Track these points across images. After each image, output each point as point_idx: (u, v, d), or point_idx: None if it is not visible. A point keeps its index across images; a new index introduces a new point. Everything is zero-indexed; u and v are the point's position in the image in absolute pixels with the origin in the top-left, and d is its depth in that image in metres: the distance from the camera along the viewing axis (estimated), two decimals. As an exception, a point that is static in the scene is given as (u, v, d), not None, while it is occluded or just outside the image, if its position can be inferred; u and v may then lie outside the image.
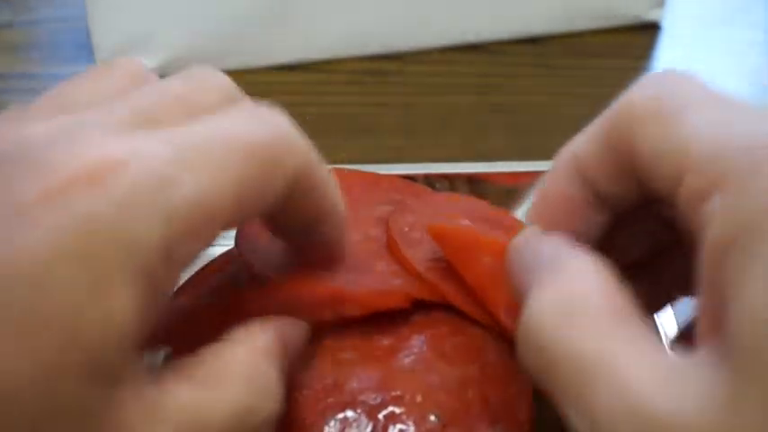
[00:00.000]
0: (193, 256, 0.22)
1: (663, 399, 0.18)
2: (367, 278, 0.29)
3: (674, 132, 0.21)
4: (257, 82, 0.58)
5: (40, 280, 0.18)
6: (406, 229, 0.31)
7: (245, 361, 0.24)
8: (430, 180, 0.40)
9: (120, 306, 0.19)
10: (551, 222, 0.26)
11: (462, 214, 0.35)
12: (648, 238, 0.28)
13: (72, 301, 0.19)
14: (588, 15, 0.64)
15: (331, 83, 0.58)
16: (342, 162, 0.50)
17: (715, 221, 0.19)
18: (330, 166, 0.29)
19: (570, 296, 0.21)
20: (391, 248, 0.31)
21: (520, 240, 0.26)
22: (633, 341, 0.20)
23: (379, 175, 0.39)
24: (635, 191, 0.24)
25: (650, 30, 0.65)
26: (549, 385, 0.21)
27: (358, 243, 0.31)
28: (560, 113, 0.55)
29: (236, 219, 0.23)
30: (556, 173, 0.26)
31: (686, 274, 0.22)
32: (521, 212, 0.37)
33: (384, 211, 0.34)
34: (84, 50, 0.60)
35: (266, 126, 0.24)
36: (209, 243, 0.22)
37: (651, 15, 0.65)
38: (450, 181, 0.41)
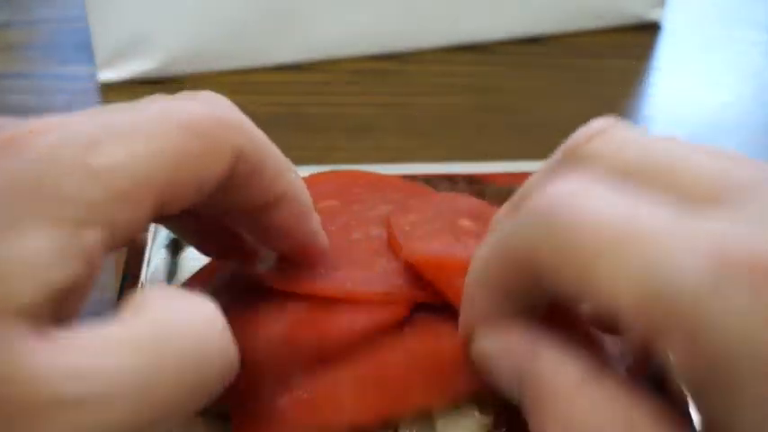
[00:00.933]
0: (129, 226, 0.22)
1: None
2: (367, 276, 0.29)
3: (590, 286, 0.19)
4: (257, 82, 0.58)
5: None
6: (407, 228, 0.31)
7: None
8: (430, 180, 0.40)
9: (33, 246, 0.19)
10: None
11: (462, 214, 0.35)
12: None
13: None
14: (588, 15, 0.64)
15: (331, 83, 0.58)
16: (342, 162, 0.50)
17: (677, 371, 0.18)
18: (330, 167, 0.29)
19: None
20: (392, 247, 0.31)
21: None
22: None
23: (379, 174, 0.38)
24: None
25: (650, 30, 0.65)
26: None
27: (359, 242, 0.31)
28: (560, 113, 0.55)
29: (174, 194, 0.22)
30: (472, 302, 0.25)
31: None
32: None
33: (385, 210, 0.34)
34: (84, 50, 0.60)
35: (205, 105, 0.24)
36: (146, 216, 0.22)
37: (651, 15, 0.65)
38: (451, 181, 0.41)
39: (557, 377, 0.21)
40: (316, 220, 0.28)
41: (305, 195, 0.27)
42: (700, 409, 0.18)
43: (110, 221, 0.21)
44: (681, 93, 0.60)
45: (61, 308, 0.21)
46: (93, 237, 0.21)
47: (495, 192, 0.41)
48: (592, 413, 0.20)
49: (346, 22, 0.59)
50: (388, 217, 0.33)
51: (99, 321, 0.21)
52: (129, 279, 0.34)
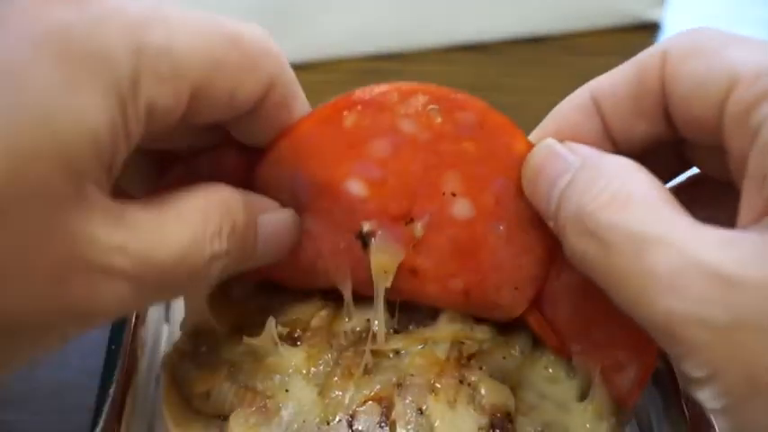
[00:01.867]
0: (166, 112, 0.23)
1: (725, 258, 0.20)
2: None
3: (717, 62, 0.23)
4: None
5: (16, 77, 0.20)
6: None
7: (211, 202, 0.25)
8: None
9: (92, 108, 0.21)
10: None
11: None
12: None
13: (46, 95, 0.20)
14: (588, 15, 0.64)
15: (331, 83, 0.58)
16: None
17: None
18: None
19: (617, 191, 0.22)
20: None
21: (538, 152, 0.27)
22: (688, 222, 0.21)
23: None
24: (648, 132, 0.26)
25: (650, 29, 0.66)
26: (604, 266, 0.22)
27: None
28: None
29: (207, 97, 0.24)
30: (571, 104, 0.27)
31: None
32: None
33: None
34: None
35: (253, 28, 0.26)
36: (180, 107, 0.23)
37: (651, 15, 0.65)
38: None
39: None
40: None
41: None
42: None
43: (149, 100, 0.22)
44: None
45: (106, 175, 0.22)
46: (133, 111, 0.22)
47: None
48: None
49: (346, 22, 0.59)
50: None
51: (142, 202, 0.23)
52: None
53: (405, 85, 0.27)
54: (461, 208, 0.28)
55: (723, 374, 0.20)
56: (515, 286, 0.29)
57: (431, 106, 0.27)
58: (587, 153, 0.25)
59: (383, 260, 0.29)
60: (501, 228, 0.28)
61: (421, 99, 0.27)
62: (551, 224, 0.25)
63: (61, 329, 0.22)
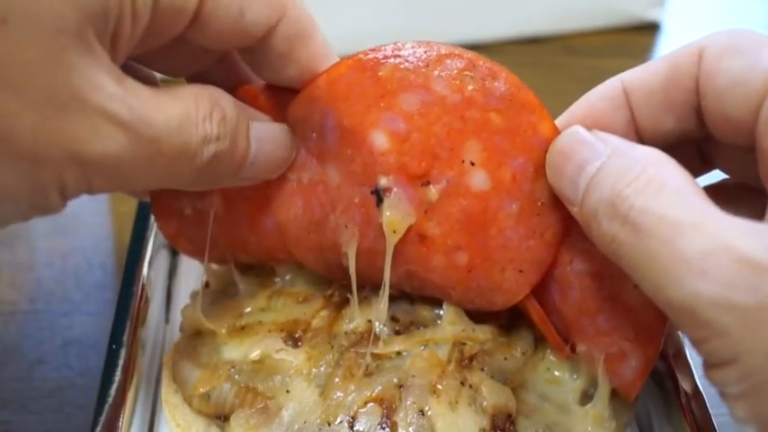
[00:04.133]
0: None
1: (753, 244, 0.20)
2: None
3: (756, 62, 0.24)
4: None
5: None
6: None
7: (203, 90, 0.26)
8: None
9: None
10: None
11: None
12: None
13: None
14: (588, 15, 0.64)
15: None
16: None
17: None
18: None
19: (652, 178, 0.23)
20: None
21: (566, 137, 0.27)
22: (718, 211, 0.22)
23: None
24: (676, 127, 0.26)
25: (650, 30, 0.66)
26: (634, 251, 0.23)
27: None
28: (560, 113, 0.55)
29: (216, 7, 0.24)
30: (600, 93, 0.27)
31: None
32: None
33: None
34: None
35: None
36: (187, 3, 0.24)
37: (651, 15, 0.65)
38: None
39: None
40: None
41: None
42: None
43: None
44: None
45: (110, 42, 0.23)
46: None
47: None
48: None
49: (346, 22, 0.59)
50: None
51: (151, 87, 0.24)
52: (130, 279, 0.34)
53: (444, 47, 0.27)
54: (478, 179, 0.28)
55: (746, 357, 0.21)
56: (520, 268, 0.29)
57: (466, 72, 0.27)
58: (617, 143, 0.25)
59: (395, 218, 0.29)
60: (514, 206, 0.28)
61: (457, 63, 0.27)
62: (574, 210, 0.26)
63: (59, 172, 0.23)
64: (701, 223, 0.21)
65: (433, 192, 0.28)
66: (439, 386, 0.29)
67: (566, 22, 0.64)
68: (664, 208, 0.22)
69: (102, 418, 0.29)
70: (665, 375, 0.32)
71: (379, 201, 0.28)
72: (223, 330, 0.32)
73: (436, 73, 0.27)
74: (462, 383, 0.29)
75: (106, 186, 0.24)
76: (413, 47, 0.27)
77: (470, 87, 0.27)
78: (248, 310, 0.32)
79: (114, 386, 0.30)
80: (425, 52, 0.27)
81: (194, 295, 0.34)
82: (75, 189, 0.23)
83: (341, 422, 0.28)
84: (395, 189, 0.28)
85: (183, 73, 0.30)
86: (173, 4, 0.24)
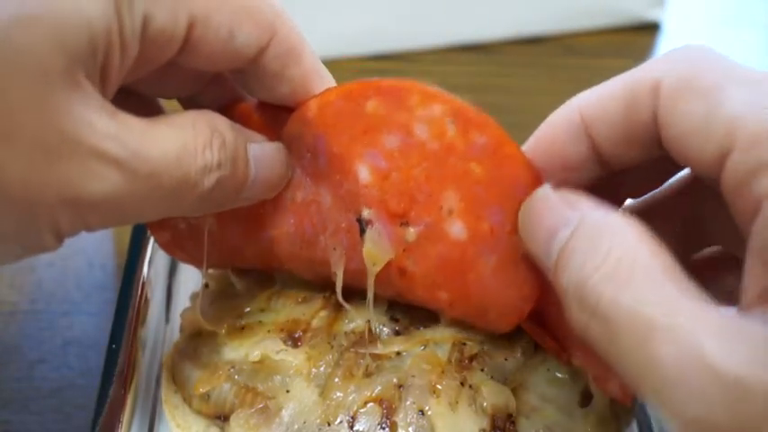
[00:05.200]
0: (158, 27, 0.23)
1: (734, 359, 0.19)
2: None
3: (714, 109, 0.22)
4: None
5: None
6: None
7: (200, 116, 0.26)
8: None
9: (89, 2, 0.21)
10: (546, 174, 0.26)
11: None
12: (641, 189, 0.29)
13: None
14: (588, 15, 0.64)
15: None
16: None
17: None
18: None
19: (620, 260, 0.21)
20: None
21: (536, 200, 0.25)
22: (690, 299, 0.20)
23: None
24: (640, 155, 0.25)
25: (650, 30, 0.66)
26: (607, 345, 0.21)
27: None
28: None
29: (205, 30, 0.24)
30: (558, 126, 0.26)
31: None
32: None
33: None
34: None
35: None
36: (175, 28, 0.24)
37: (651, 15, 0.65)
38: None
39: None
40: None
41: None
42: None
43: (145, 12, 0.23)
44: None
45: (101, 77, 0.23)
46: (129, 20, 0.23)
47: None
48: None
49: (346, 22, 0.59)
50: None
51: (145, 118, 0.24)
52: (130, 279, 0.34)
53: (429, 90, 0.27)
54: (456, 228, 0.27)
55: None
56: (502, 312, 0.29)
57: (449, 119, 0.26)
58: (586, 209, 0.23)
59: (374, 252, 0.29)
60: (492, 258, 0.27)
61: (439, 108, 0.26)
62: (549, 275, 0.24)
63: (54, 215, 0.22)
64: (673, 325, 0.20)
65: (412, 232, 0.28)
66: (439, 386, 0.29)
67: (565, 22, 0.64)
68: (634, 302, 0.20)
69: (102, 418, 0.29)
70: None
71: (362, 231, 0.28)
72: (223, 331, 0.32)
73: (418, 115, 0.26)
74: (462, 384, 0.29)
75: (103, 224, 0.24)
76: (397, 85, 0.27)
77: (451, 134, 0.26)
78: (248, 310, 0.32)
79: (114, 386, 0.30)
80: (409, 92, 0.27)
81: (194, 297, 0.34)
82: (71, 230, 0.23)
83: (341, 422, 0.28)
84: (376, 223, 0.28)
85: (176, 95, 0.30)
86: (162, 33, 0.23)
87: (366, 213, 0.28)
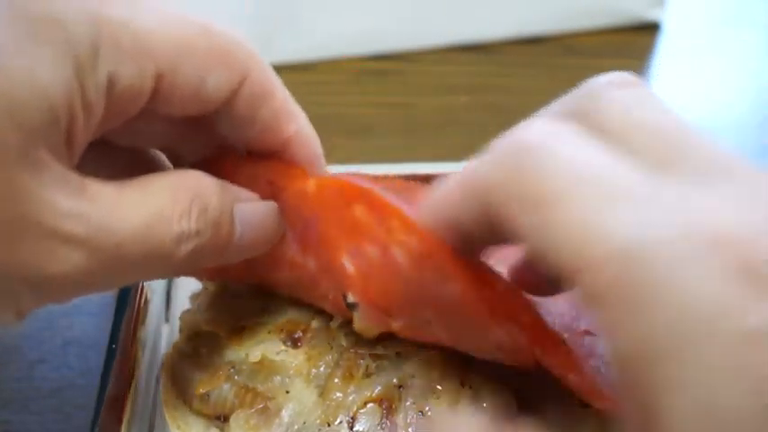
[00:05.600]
0: (124, 85, 0.23)
1: None
2: None
3: (545, 234, 0.19)
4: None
5: None
6: None
7: (181, 179, 0.25)
8: (430, 180, 0.40)
9: (45, 69, 0.21)
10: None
11: None
12: None
13: None
14: (588, 15, 0.64)
15: (331, 83, 0.58)
16: (342, 162, 0.50)
17: (618, 336, 0.17)
18: (330, 167, 0.29)
19: None
20: None
21: None
22: None
23: (378, 175, 0.39)
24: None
25: (650, 30, 0.65)
26: None
27: None
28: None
29: (174, 82, 0.24)
30: (434, 226, 0.24)
31: None
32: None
33: None
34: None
35: (225, 30, 0.26)
36: (143, 84, 0.23)
37: (651, 15, 0.65)
38: (451, 181, 0.41)
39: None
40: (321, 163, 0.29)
41: (312, 138, 0.28)
42: (627, 395, 0.18)
43: (110, 73, 0.22)
44: (680, 93, 0.60)
45: (65, 146, 0.22)
46: (92, 81, 0.22)
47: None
48: None
49: (346, 22, 0.59)
50: None
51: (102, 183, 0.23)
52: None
53: (409, 221, 0.25)
54: (438, 331, 0.27)
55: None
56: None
57: (424, 254, 0.25)
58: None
59: (363, 329, 0.29)
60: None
61: (415, 241, 0.25)
62: None
63: (14, 296, 0.22)
64: None
65: (397, 324, 0.28)
66: (439, 386, 0.29)
67: (565, 22, 0.64)
68: None
69: (102, 419, 0.29)
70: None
71: (349, 308, 0.28)
72: (222, 331, 0.32)
73: (398, 240, 0.25)
74: (462, 384, 0.29)
75: (67, 298, 0.24)
76: (385, 205, 0.26)
77: (426, 275, 0.25)
78: (247, 311, 0.32)
79: (114, 386, 0.30)
80: (392, 216, 0.25)
81: (193, 298, 0.34)
82: (33, 307, 0.23)
83: (341, 422, 0.28)
84: (361, 307, 0.28)
85: (155, 144, 0.29)
86: (129, 91, 0.23)
87: (351, 299, 0.28)
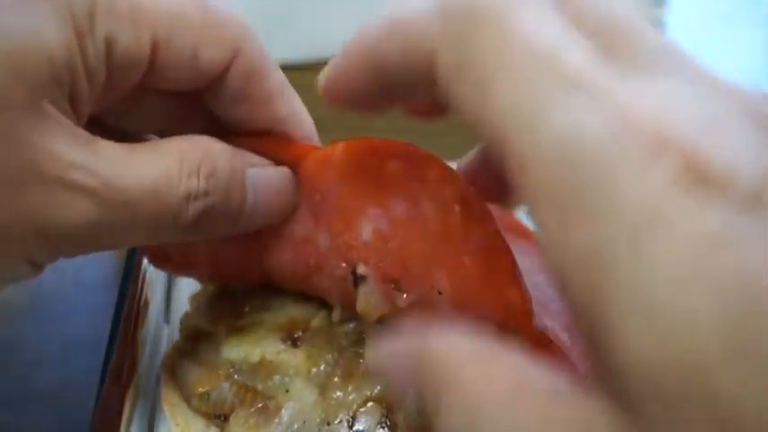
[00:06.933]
0: (122, 50, 0.23)
1: None
2: None
3: (484, 112, 0.17)
4: (257, 82, 0.58)
5: None
6: None
7: (190, 141, 0.25)
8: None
9: (46, 27, 0.21)
10: (343, 103, 0.24)
11: None
12: None
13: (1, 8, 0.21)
14: (588, 15, 0.64)
15: (331, 83, 0.58)
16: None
17: (558, 240, 0.16)
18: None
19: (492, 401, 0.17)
20: None
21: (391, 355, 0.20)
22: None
23: None
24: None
25: (650, 29, 0.66)
26: None
27: None
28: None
29: (169, 53, 0.24)
30: (348, 61, 0.23)
31: None
32: (521, 213, 0.37)
33: None
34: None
35: (220, 4, 0.26)
36: (140, 49, 0.23)
37: (651, 15, 0.65)
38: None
39: (451, 356, 0.18)
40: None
41: (306, 120, 0.28)
42: (571, 308, 0.16)
43: (108, 35, 0.23)
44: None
45: (69, 104, 0.22)
46: (91, 44, 0.22)
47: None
48: (487, 385, 0.17)
49: (346, 23, 0.59)
50: None
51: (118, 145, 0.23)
52: (130, 279, 0.34)
53: (448, 169, 0.25)
54: (444, 307, 0.27)
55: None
56: None
57: (456, 206, 0.25)
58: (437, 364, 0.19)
59: (367, 308, 0.28)
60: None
61: (450, 191, 0.25)
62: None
63: (25, 244, 0.22)
64: None
65: (403, 299, 0.28)
66: (439, 386, 0.29)
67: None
68: None
69: (102, 418, 0.29)
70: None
71: (356, 284, 0.28)
72: (222, 331, 0.32)
73: (431, 190, 0.26)
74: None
75: (79, 251, 0.24)
76: (423, 155, 0.26)
77: (454, 222, 0.25)
78: (247, 310, 0.32)
79: (113, 386, 0.30)
80: (431, 166, 0.26)
81: (193, 298, 0.34)
82: (46, 258, 0.23)
83: (340, 421, 0.28)
84: (370, 281, 0.28)
85: (148, 128, 0.29)
86: (127, 56, 0.23)
87: (362, 269, 0.28)
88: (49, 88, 0.21)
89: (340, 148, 0.28)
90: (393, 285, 0.28)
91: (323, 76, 0.24)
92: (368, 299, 0.28)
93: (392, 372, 0.20)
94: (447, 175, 0.26)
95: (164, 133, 0.29)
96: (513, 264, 0.25)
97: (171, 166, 0.24)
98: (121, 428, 0.30)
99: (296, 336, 0.31)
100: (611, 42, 0.18)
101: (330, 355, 0.30)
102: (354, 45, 0.22)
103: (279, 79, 0.27)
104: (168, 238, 0.25)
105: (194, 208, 0.24)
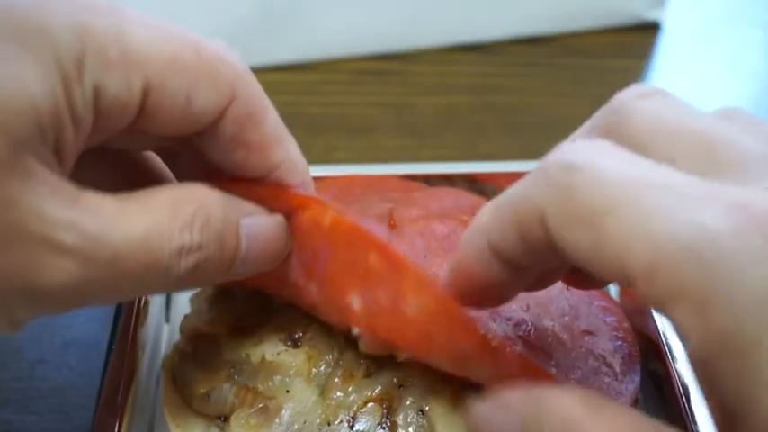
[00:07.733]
0: (111, 97, 0.22)
1: None
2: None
3: (601, 240, 0.19)
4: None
5: None
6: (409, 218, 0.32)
7: (184, 191, 0.24)
8: (429, 180, 0.40)
9: (30, 78, 0.20)
10: (477, 299, 0.24)
11: (459, 210, 0.35)
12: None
13: None
14: (588, 15, 0.64)
15: (331, 83, 0.58)
16: (342, 162, 0.50)
17: (692, 337, 0.18)
18: (331, 167, 0.29)
19: None
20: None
21: (480, 411, 0.22)
22: None
23: (379, 176, 0.39)
24: (558, 262, 0.22)
25: (650, 30, 0.65)
26: None
27: None
28: (560, 113, 0.55)
29: (161, 97, 0.23)
30: (472, 258, 0.23)
31: None
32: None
33: (385, 208, 0.34)
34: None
35: (216, 43, 0.25)
36: (130, 96, 0.23)
37: (651, 15, 0.65)
38: (450, 181, 0.41)
39: (562, 411, 0.19)
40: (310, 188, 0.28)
41: (301, 165, 0.28)
42: (711, 391, 0.18)
43: (96, 83, 0.22)
44: (680, 93, 0.60)
45: (54, 156, 0.22)
46: (79, 92, 0.22)
47: (495, 192, 0.41)
48: None
49: (346, 22, 0.59)
50: (390, 211, 0.33)
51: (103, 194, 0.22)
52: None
53: (424, 279, 0.25)
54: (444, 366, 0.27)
55: None
56: None
57: (435, 313, 0.25)
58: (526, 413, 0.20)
59: (367, 350, 0.29)
60: None
61: (428, 300, 0.25)
62: None
63: (6, 305, 0.22)
64: None
65: (402, 354, 0.28)
66: (439, 386, 0.29)
67: (566, 22, 0.64)
68: None
69: (102, 419, 0.29)
70: (664, 377, 0.32)
71: (354, 336, 0.28)
72: (222, 332, 0.32)
73: (409, 299, 0.25)
74: (463, 384, 0.29)
75: (63, 310, 0.23)
76: (401, 262, 0.26)
77: (435, 329, 0.26)
78: (247, 311, 0.32)
79: (113, 386, 0.30)
80: (407, 276, 0.26)
81: (193, 299, 0.34)
82: (27, 317, 0.22)
83: (341, 422, 0.28)
84: (365, 338, 0.28)
85: (148, 149, 0.29)
86: (116, 102, 0.22)
87: (356, 331, 0.28)
88: (32, 141, 0.21)
89: (328, 220, 0.27)
90: (390, 346, 0.28)
91: (446, 282, 0.25)
92: (367, 347, 0.28)
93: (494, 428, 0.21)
94: (423, 288, 0.25)
95: (160, 152, 0.29)
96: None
97: (162, 218, 0.23)
98: (122, 429, 0.30)
99: (296, 336, 0.31)
100: (687, 155, 0.21)
101: (330, 356, 0.30)
102: (472, 239, 0.23)
103: (275, 123, 0.26)
104: (158, 291, 0.25)
105: (186, 262, 0.24)
